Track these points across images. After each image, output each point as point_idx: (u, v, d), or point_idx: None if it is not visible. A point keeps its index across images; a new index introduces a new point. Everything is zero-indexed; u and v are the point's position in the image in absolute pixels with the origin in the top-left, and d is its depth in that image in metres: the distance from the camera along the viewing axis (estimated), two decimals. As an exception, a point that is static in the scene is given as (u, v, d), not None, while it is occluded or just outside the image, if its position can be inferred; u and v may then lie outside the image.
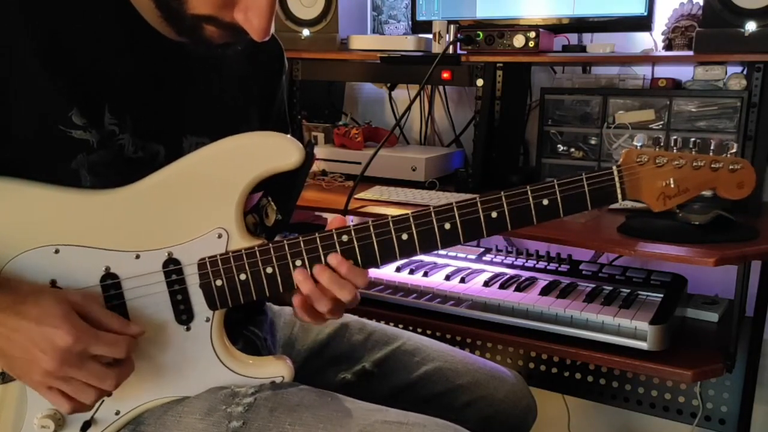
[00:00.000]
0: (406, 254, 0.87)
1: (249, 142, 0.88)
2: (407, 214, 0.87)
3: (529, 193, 0.86)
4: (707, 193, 1.45)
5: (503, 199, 0.86)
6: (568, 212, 0.87)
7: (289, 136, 0.88)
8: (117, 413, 0.88)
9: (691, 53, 1.50)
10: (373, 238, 0.86)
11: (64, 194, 0.84)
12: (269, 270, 0.87)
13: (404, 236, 0.86)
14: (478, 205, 0.86)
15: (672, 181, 0.86)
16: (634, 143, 0.89)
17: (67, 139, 0.82)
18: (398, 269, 1.49)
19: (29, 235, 0.82)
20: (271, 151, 0.87)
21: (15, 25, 0.80)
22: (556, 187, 0.86)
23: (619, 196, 0.87)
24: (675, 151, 0.88)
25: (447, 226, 0.86)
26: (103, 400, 0.86)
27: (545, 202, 0.86)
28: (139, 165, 0.87)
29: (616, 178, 0.87)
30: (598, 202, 0.87)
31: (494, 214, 0.86)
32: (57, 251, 0.83)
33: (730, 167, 0.86)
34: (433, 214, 0.86)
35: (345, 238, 0.86)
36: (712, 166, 0.86)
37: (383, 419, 0.85)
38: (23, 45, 0.80)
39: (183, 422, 0.86)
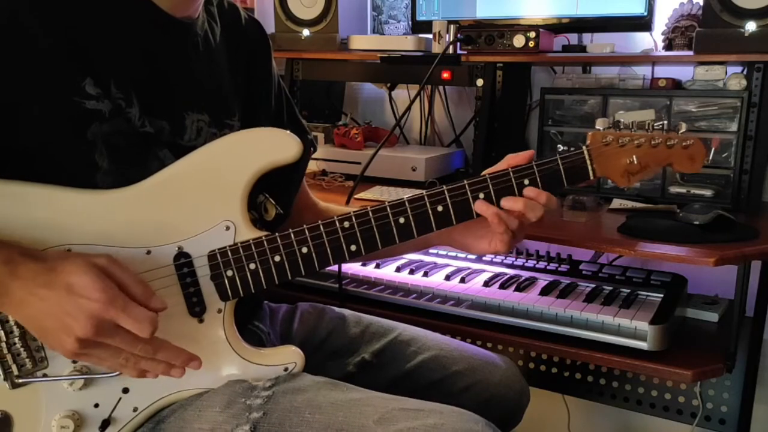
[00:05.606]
0: (404, 237, 0.93)
1: (249, 137, 0.92)
2: (402, 199, 0.93)
3: (512, 174, 0.94)
4: (707, 193, 1.48)
5: (489, 181, 0.94)
6: (547, 190, 0.94)
7: (288, 131, 0.91)
8: (135, 410, 0.88)
9: (691, 53, 1.50)
10: (373, 222, 0.92)
11: (74, 195, 0.85)
12: (277, 258, 0.90)
13: (401, 220, 0.92)
14: (467, 188, 0.93)
15: (634, 159, 0.94)
16: (597, 127, 0.96)
17: (82, 110, 0.84)
18: (398, 269, 1.49)
19: (41, 237, 0.83)
20: (270, 146, 0.90)
21: (22, 4, 0.81)
22: (535, 168, 0.94)
23: (591, 174, 0.94)
24: (634, 132, 0.96)
25: (440, 208, 0.93)
26: (120, 398, 0.87)
27: (526, 182, 0.94)
28: (149, 139, 0.89)
29: (587, 157, 0.94)
30: (573, 180, 0.94)
31: (482, 196, 0.94)
32: (69, 251, 0.83)
33: (684, 144, 0.94)
34: (426, 198, 0.93)
35: (346, 224, 0.91)
36: (668, 143, 0.94)
37: (401, 407, 0.86)
38: (31, 22, 0.81)
39: (203, 416, 0.87)
